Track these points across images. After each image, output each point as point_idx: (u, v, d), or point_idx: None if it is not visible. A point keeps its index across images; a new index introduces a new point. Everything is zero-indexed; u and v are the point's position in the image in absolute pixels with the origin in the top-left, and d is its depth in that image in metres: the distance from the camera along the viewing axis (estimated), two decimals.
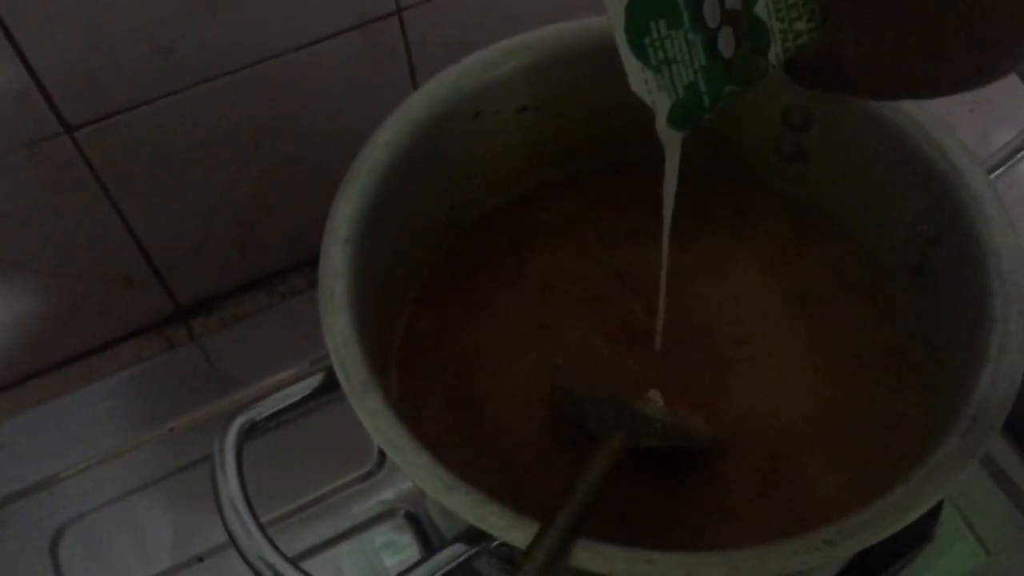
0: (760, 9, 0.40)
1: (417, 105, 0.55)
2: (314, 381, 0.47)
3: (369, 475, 0.65)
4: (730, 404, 0.54)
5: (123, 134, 0.62)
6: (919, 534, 0.58)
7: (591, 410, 0.51)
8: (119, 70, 0.59)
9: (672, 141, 0.46)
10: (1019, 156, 0.54)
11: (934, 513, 0.58)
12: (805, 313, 0.58)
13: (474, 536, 0.42)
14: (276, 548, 0.42)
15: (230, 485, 0.43)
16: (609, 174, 0.64)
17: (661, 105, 0.44)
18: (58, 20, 0.56)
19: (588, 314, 0.59)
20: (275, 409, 0.46)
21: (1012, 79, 0.56)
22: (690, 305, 0.58)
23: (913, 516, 0.40)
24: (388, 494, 0.64)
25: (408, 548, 0.62)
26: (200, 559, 0.63)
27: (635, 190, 0.63)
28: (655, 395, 0.53)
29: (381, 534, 0.63)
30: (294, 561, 0.42)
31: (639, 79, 0.43)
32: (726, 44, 0.41)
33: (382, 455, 0.65)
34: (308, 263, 0.78)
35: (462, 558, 0.42)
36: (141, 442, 0.67)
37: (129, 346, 0.75)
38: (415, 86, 0.70)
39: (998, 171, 0.54)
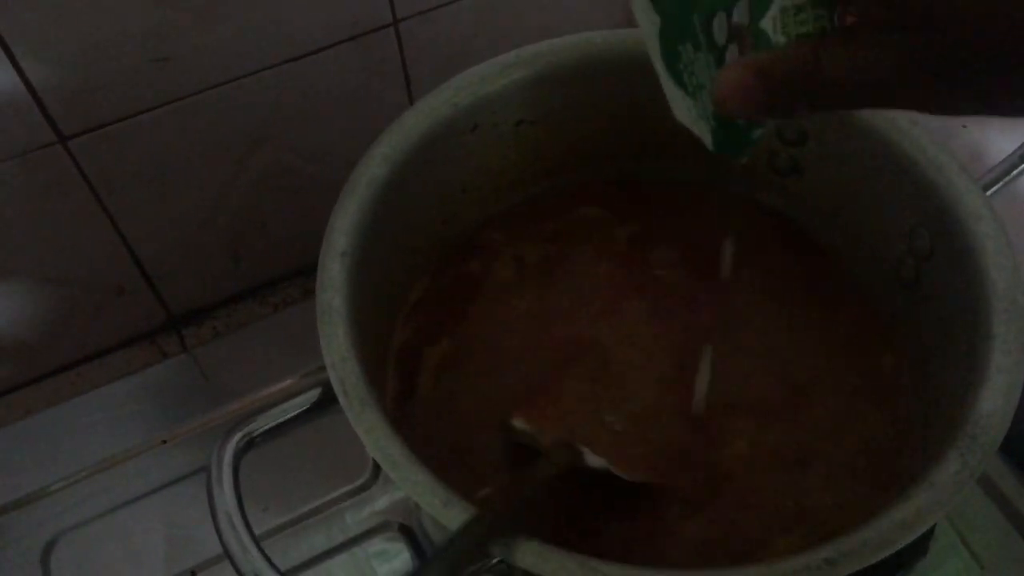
0: (766, 23, 0.39)
1: (414, 119, 0.55)
2: (313, 395, 0.47)
3: (364, 487, 0.65)
4: (719, 418, 0.54)
5: (117, 143, 0.62)
6: (914, 549, 0.58)
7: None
8: (113, 80, 0.59)
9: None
10: (1016, 172, 0.54)
11: (928, 528, 0.58)
12: (798, 327, 0.58)
13: None
14: (271, 563, 0.42)
15: (226, 499, 0.43)
16: (605, 187, 0.64)
17: (704, 134, 0.42)
18: (53, 29, 0.55)
19: (587, 324, 0.59)
20: (274, 423, 0.46)
21: None
22: (681, 316, 0.58)
23: (914, 535, 0.40)
24: (382, 506, 0.64)
25: (402, 561, 0.62)
26: (193, 573, 0.62)
27: (632, 202, 0.63)
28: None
29: (375, 546, 0.63)
30: None
31: (681, 107, 0.41)
32: None
33: (377, 467, 0.65)
34: (301, 273, 0.78)
35: None
36: (134, 453, 0.67)
37: (121, 355, 0.75)
38: (411, 98, 0.71)
39: (994, 187, 0.54)
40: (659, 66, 0.40)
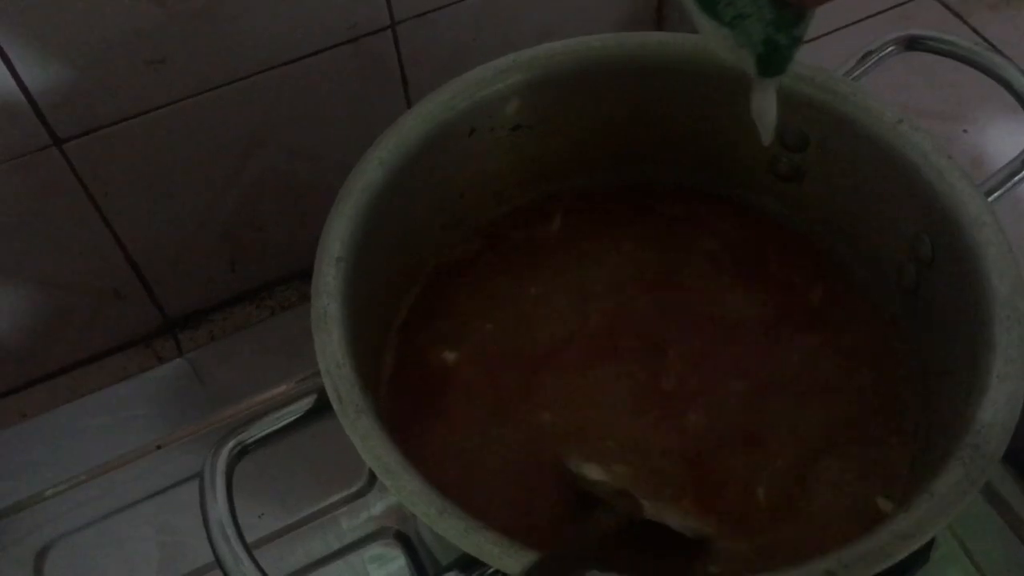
0: None
1: (411, 123, 0.54)
2: (307, 403, 0.47)
3: (360, 493, 0.64)
4: (718, 424, 0.54)
5: (112, 146, 0.62)
6: (915, 557, 0.57)
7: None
8: (109, 82, 0.59)
9: (769, 86, 0.45)
10: (1017, 178, 0.54)
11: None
12: (799, 336, 0.57)
13: (468, 563, 0.41)
14: (264, 573, 0.42)
15: (219, 508, 0.43)
16: (602, 192, 0.63)
17: (747, 62, 0.43)
18: (48, 31, 0.55)
19: (582, 331, 0.58)
20: (266, 432, 0.45)
21: (1009, 101, 0.56)
22: (682, 325, 0.58)
23: (915, 545, 0.40)
24: (379, 512, 0.64)
25: (398, 567, 0.61)
26: None
27: (631, 207, 0.63)
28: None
29: (371, 552, 0.62)
30: None
31: (717, 38, 0.42)
32: None
33: (373, 473, 0.65)
34: (298, 276, 0.78)
35: None
36: (128, 459, 0.67)
37: (117, 359, 0.74)
38: (409, 101, 0.70)
39: (996, 193, 0.53)
40: (690, 2, 0.41)
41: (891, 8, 0.81)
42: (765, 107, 0.46)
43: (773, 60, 0.43)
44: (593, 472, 0.52)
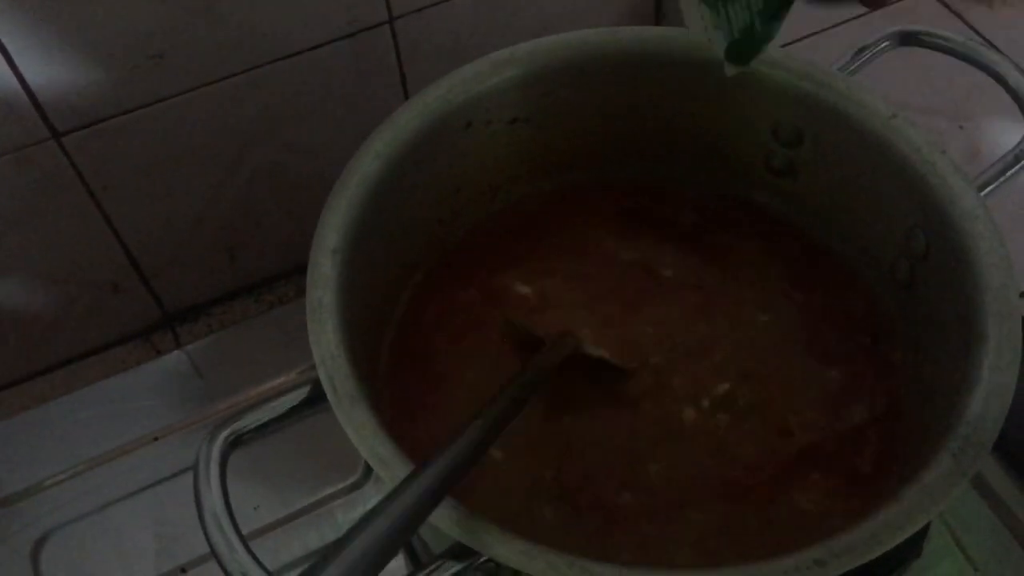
0: None
1: (408, 116, 0.54)
2: (301, 393, 0.47)
3: (356, 486, 0.65)
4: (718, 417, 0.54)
5: (111, 140, 0.62)
6: (907, 550, 0.58)
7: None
8: (108, 76, 0.59)
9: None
10: (1010, 173, 0.54)
11: (922, 529, 0.58)
12: (793, 330, 0.57)
13: (460, 552, 0.41)
14: (259, 563, 0.42)
15: (213, 498, 0.43)
16: (599, 188, 0.64)
17: (718, 43, 0.44)
18: (48, 25, 0.55)
19: (581, 324, 0.58)
20: (261, 421, 0.46)
21: (1004, 97, 0.56)
22: (676, 321, 0.58)
23: (904, 535, 0.40)
24: (374, 504, 0.64)
25: (395, 562, 0.61)
26: (183, 570, 0.62)
27: (628, 202, 0.63)
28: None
29: None
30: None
31: (695, 16, 0.42)
32: None
33: (369, 466, 0.65)
34: (296, 271, 0.78)
35: (448, 575, 0.42)
36: (126, 450, 0.67)
37: (115, 352, 0.75)
38: (406, 95, 0.70)
39: (989, 188, 0.53)
40: None
41: None
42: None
43: (742, 49, 0.44)
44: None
